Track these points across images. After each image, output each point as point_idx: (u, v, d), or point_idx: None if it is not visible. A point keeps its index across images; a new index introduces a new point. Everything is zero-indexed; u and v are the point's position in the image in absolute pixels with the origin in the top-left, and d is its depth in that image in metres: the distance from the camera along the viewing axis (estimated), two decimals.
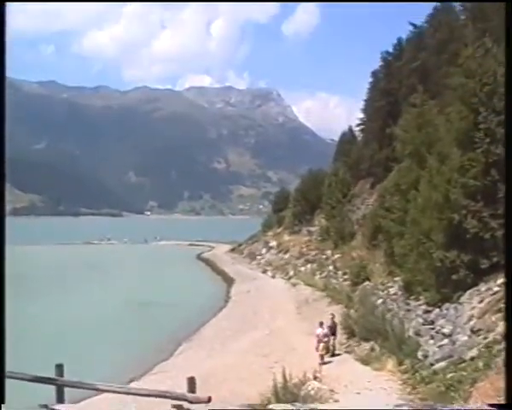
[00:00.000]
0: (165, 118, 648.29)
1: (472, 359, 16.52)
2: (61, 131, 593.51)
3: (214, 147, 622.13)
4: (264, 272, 62.96)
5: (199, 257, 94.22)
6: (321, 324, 26.93)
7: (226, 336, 35.07)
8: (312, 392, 19.16)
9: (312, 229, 64.51)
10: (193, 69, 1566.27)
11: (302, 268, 55.36)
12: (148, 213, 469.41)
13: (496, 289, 19.20)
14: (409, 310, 25.84)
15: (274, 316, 38.66)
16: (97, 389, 12.46)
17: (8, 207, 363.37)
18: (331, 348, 26.70)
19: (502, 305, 16.69)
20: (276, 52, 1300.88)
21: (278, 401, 18.11)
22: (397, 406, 13.15)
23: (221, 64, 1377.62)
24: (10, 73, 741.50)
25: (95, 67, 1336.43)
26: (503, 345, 13.42)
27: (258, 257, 74.19)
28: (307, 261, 56.22)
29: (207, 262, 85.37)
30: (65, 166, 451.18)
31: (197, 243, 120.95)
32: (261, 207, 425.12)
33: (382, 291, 31.23)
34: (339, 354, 26.64)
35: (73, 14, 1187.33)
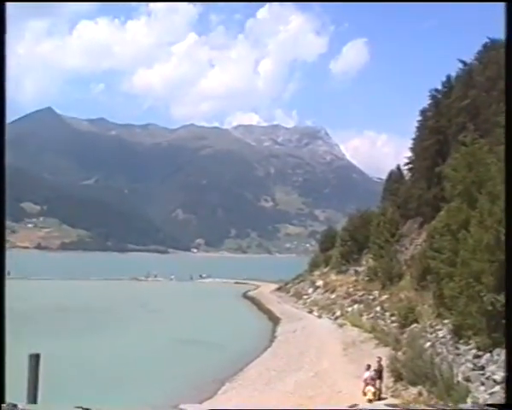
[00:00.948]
0: (213, 156, 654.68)
1: None
2: (109, 168, 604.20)
3: (261, 185, 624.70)
4: (311, 311, 62.22)
5: (245, 295, 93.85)
6: (368, 367, 26.34)
7: (271, 377, 34.61)
8: None
9: (360, 269, 63.72)
10: (240, 107, 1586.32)
11: (349, 309, 54.53)
12: (195, 250, 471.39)
13: None
14: (458, 354, 25.03)
15: (320, 357, 38.04)
16: None
17: (57, 242, 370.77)
18: (377, 391, 26.07)
19: None
20: (323, 90, 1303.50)
21: None
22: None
23: (269, 102, 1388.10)
24: (61, 110, 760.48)
25: (144, 104, 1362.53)
26: None
27: (305, 296, 73.48)
28: (354, 302, 55.38)
29: (253, 301, 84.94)
30: (113, 202, 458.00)
31: (243, 281, 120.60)
32: (308, 246, 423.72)
33: (431, 334, 30.37)
34: (385, 399, 25.96)
35: (123, 53, 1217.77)
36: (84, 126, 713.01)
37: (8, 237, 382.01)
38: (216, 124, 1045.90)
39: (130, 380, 33.88)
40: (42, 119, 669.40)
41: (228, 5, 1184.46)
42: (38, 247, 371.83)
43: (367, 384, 25.55)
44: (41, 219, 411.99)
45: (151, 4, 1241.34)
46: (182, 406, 26.78)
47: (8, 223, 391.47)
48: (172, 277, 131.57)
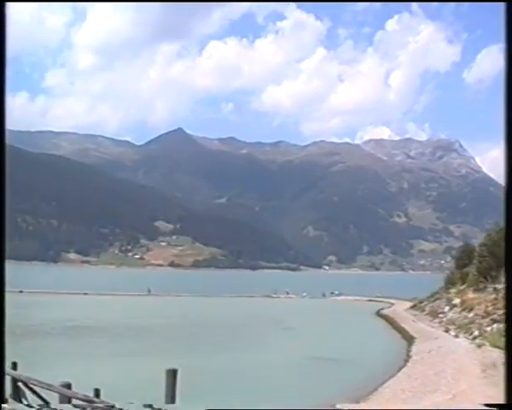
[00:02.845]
0: (344, 171, 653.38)
1: None
2: (241, 186, 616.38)
3: (394, 200, 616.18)
4: (447, 331, 59.98)
5: (378, 313, 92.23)
6: None
7: (406, 397, 33.54)
8: None
9: (499, 286, 60.85)
10: (371, 121, 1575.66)
11: (488, 328, 52.06)
12: (327, 267, 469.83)
13: None
14: None
15: (457, 378, 36.43)
16: None
17: (190, 260, 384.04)
18: None
19: None
20: (457, 101, 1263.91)
21: None
22: None
23: (400, 115, 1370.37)
24: (192, 130, 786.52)
25: (274, 122, 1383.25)
26: None
27: (441, 315, 71.02)
28: (494, 321, 52.81)
29: (387, 319, 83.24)
30: (245, 220, 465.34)
31: (376, 298, 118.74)
32: (443, 262, 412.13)
33: None
34: None
35: (252, 72, 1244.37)
36: (214, 145, 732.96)
37: (143, 255, 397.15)
38: (347, 139, 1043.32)
39: (262, 395, 33.89)
40: (173, 139, 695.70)
41: (355, 18, 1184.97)
42: (172, 264, 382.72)
43: None
44: (174, 237, 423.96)
45: (278, 22, 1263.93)
46: (338, 406, 26.61)
47: (142, 241, 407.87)
48: (304, 294, 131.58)
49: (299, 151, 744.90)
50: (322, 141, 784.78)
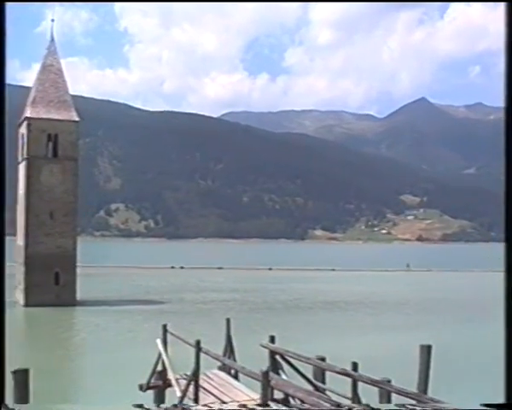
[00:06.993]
0: None
1: None
2: (490, 155, 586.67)
3: None
4: None
5: None
6: None
7: None
8: None
9: None
10: None
11: None
12: None
13: None
14: None
15: None
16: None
17: (438, 233, 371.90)
18: None
19: None
20: None
21: None
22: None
23: None
24: (435, 98, 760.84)
25: None
26: None
27: None
28: None
29: None
30: (496, 190, 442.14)
31: None
32: None
33: None
34: None
35: (499, 31, 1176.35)
36: (460, 113, 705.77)
37: (390, 229, 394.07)
38: None
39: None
40: (417, 109, 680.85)
41: None
42: (419, 239, 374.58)
43: None
44: (421, 210, 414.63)
45: None
46: None
47: (388, 216, 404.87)
48: None
49: None
50: None
